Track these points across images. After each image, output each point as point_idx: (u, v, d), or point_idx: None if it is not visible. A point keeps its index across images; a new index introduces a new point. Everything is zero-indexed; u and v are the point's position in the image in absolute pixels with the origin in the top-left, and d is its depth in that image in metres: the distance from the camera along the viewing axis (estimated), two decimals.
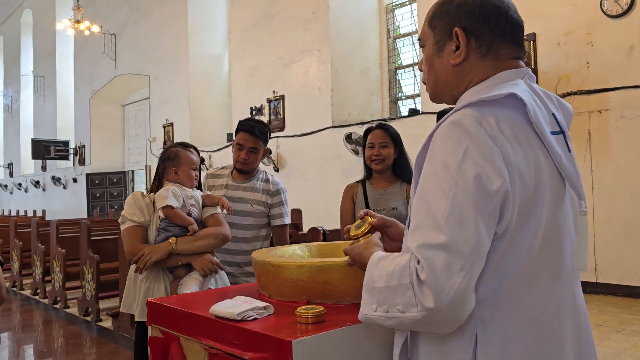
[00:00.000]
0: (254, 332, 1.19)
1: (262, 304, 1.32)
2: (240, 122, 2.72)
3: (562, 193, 1.05)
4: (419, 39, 1.22)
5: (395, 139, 2.68)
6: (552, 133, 1.05)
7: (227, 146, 10.27)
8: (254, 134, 2.64)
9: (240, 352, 1.21)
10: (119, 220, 2.28)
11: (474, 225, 0.92)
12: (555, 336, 1.02)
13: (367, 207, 2.64)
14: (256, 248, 2.67)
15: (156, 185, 2.37)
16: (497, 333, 0.99)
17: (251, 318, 1.27)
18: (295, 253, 1.69)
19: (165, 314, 1.50)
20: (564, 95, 5.97)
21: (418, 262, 0.95)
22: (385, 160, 2.64)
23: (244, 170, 2.69)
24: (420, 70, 1.21)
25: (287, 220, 2.77)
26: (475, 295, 0.96)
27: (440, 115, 2.56)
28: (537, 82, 1.14)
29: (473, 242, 0.92)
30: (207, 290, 1.81)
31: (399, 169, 2.70)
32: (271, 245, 2.79)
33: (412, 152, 2.08)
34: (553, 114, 1.08)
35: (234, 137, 2.74)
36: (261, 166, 2.84)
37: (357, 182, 2.78)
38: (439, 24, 1.14)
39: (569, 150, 1.07)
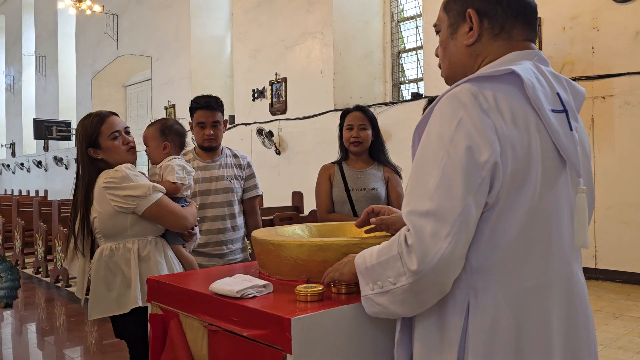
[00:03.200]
0: (253, 310, 1.19)
1: (262, 282, 1.33)
2: (193, 101, 2.66)
3: (558, 170, 1.06)
4: (434, 25, 1.25)
5: (372, 122, 2.69)
6: (554, 111, 1.06)
7: (229, 128, 10.24)
8: (212, 107, 2.60)
9: (239, 329, 1.22)
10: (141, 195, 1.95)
11: (462, 195, 0.96)
12: (544, 310, 1.05)
13: (346, 187, 2.65)
14: (241, 223, 2.69)
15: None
16: (488, 302, 1.03)
17: (250, 296, 1.28)
18: (295, 233, 1.70)
19: (165, 291, 1.51)
20: None
21: (408, 230, 1.00)
22: (364, 142, 2.67)
23: (213, 146, 2.63)
24: (437, 55, 1.24)
25: (260, 191, 2.79)
26: (462, 263, 1.01)
27: (430, 102, 2.58)
28: None
29: (459, 210, 0.96)
30: (208, 269, 1.81)
31: (376, 151, 2.72)
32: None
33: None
34: (558, 93, 1.09)
35: (190, 120, 2.69)
36: (235, 144, 2.84)
37: (333, 162, 2.78)
38: (453, 7, 1.18)
39: (571, 129, 1.07)
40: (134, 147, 2.09)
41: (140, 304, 1.92)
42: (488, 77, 1.04)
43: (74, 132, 15.12)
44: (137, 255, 1.97)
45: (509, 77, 1.05)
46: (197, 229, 2.27)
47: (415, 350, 1.11)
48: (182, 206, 2.16)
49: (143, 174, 2.08)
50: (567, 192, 1.08)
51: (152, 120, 2.49)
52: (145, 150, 2.32)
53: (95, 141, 2.01)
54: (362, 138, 2.65)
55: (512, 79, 1.05)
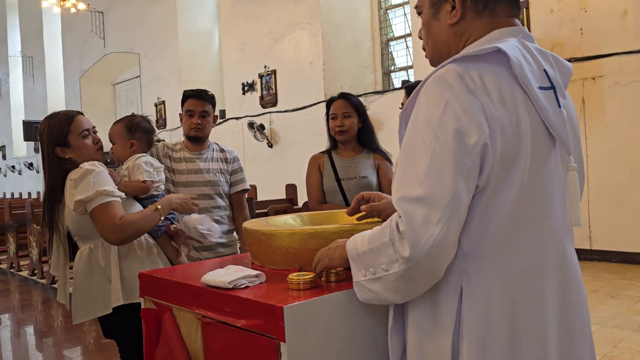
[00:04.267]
0: (246, 300, 1.18)
1: (254, 272, 1.32)
2: (185, 91, 2.65)
3: (549, 148, 1.05)
4: (416, 7, 1.23)
5: (358, 109, 2.64)
6: (541, 88, 1.04)
7: (219, 123, 10.20)
8: (202, 97, 2.59)
9: (232, 319, 1.21)
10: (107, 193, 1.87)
11: (453, 179, 0.94)
12: (538, 292, 1.04)
13: (336, 176, 2.62)
14: (226, 217, 2.66)
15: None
16: (481, 286, 1.02)
17: (243, 286, 1.27)
18: (287, 222, 1.68)
19: (157, 285, 1.49)
20: None
21: (399, 216, 0.98)
22: (349, 130, 2.62)
23: (199, 136, 2.61)
24: (420, 37, 1.22)
25: (248, 185, 2.76)
26: (455, 248, 0.99)
27: (408, 88, 2.56)
28: None
29: (451, 195, 0.94)
30: (200, 262, 1.78)
31: (365, 138, 2.67)
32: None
33: None
34: (545, 70, 1.07)
35: (180, 112, 2.68)
36: (227, 138, 2.83)
37: (322, 152, 2.75)
38: None
39: (559, 106, 1.06)
40: (102, 147, 2.05)
41: (122, 301, 1.88)
42: (473, 57, 1.02)
43: None
44: (116, 253, 1.93)
45: (495, 56, 1.02)
46: (188, 223, 2.19)
47: (408, 337, 1.10)
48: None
49: (112, 171, 2.03)
50: (557, 170, 1.07)
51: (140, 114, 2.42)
52: (111, 149, 2.24)
53: (65, 140, 1.95)
54: (346, 126, 2.61)
55: (498, 57, 1.02)
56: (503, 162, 0.98)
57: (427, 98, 1.01)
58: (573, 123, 1.16)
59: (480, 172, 0.97)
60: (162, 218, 1.97)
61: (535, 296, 1.03)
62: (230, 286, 1.25)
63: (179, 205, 2.05)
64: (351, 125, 2.62)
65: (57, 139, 1.94)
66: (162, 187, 2.23)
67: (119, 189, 1.95)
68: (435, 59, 1.19)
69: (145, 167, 2.11)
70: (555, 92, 1.06)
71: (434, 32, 1.16)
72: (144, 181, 2.08)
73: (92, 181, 1.84)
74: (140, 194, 2.10)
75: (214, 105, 2.66)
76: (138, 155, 2.17)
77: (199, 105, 2.58)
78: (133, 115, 2.30)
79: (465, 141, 0.95)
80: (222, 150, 2.73)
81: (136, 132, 2.20)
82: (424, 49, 1.22)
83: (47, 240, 2.01)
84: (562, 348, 1.06)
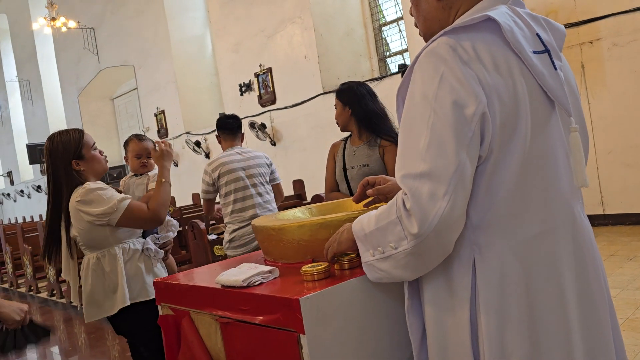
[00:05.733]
0: (261, 296, 1.18)
1: (267, 268, 1.31)
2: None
3: (548, 112, 1.04)
4: None
5: (342, 97, 2.63)
6: (535, 52, 1.03)
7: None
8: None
9: (250, 317, 1.20)
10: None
11: (455, 151, 0.94)
12: (552, 257, 1.02)
13: (344, 164, 2.65)
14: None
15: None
16: (493, 257, 1.01)
17: (257, 283, 1.26)
18: (296, 216, 1.68)
19: (173, 291, 1.49)
20: None
21: (405, 193, 0.98)
22: (338, 120, 2.66)
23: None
24: (411, 14, 1.21)
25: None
26: (463, 220, 0.98)
27: (401, 68, 2.56)
28: None
29: (454, 167, 0.94)
30: (211, 264, 1.80)
31: (368, 124, 2.60)
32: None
33: None
34: (537, 34, 1.06)
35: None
36: (247, 147, 3.56)
37: (342, 139, 2.78)
38: None
39: (555, 69, 1.05)
40: (106, 158, 2.30)
41: (128, 302, 2.10)
42: (464, 27, 1.02)
43: None
44: (122, 259, 2.14)
45: (485, 24, 1.02)
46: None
47: (426, 315, 1.09)
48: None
49: (110, 185, 2.26)
50: (559, 133, 1.06)
51: (144, 130, 2.70)
52: (144, 163, 2.69)
53: (80, 153, 2.15)
54: (336, 117, 2.67)
55: (489, 25, 1.02)
56: (503, 130, 0.98)
57: (421, 73, 1.01)
58: (571, 85, 1.14)
59: (481, 141, 0.97)
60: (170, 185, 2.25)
61: (549, 261, 1.02)
62: (245, 284, 1.25)
63: (168, 161, 2.27)
64: (338, 115, 2.65)
65: (74, 152, 2.14)
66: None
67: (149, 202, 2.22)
68: (428, 35, 1.18)
69: None
70: (550, 55, 1.05)
71: (423, 8, 1.16)
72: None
73: (106, 196, 2.07)
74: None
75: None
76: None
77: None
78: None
79: (463, 112, 0.95)
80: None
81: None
82: (416, 26, 1.22)
83: (44, 248, 2.21)
84: (582, 311, 1.05)
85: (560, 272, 1.03)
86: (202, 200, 3.43)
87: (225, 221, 3.42)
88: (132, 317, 2.15)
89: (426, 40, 1.18)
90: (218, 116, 3.57)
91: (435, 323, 1.07)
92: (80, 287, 2.23)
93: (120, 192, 2.35)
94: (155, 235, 2.38)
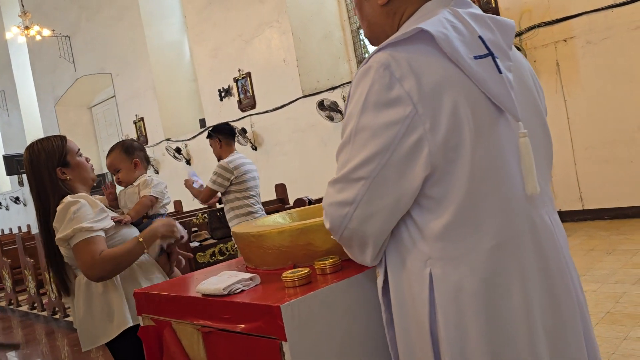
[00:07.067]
0: (242, 304, 1.16)
1: (248, 275, 1.30)
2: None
3: (495, 118, 0.99)
4: None
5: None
6: (477, 57, 0.99)
7: (200, 133, 10.14)
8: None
9: (231, 325, 1.19)
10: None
11: (368, 175, 0.98)
12: (511, 269, 0.99)
13: None
14: None
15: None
16: (449, 271, 0.99)
17: (238, 290, 1.25)
18: (277, 221, 1.67)
19: (153, 302, 1.47)
20: (528, 29, 5.95)
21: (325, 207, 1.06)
22: None
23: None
24: (356, 15, 1.20)
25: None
26: (375, 232, 1.02)
27: None
28: None
29: (364, 191, 0.99)
30: (191, 273, 1.75)
31: None
32: None
33: None
34: (480, 36, 1.02)
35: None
36: (209, 147, 4.16)
37: None
38: None
39: (500, 72, 1.00)
40: (92, 166, 2.09)
41: (131, 323, 1.85)
42: (400, 41, 0.99)
43: None
44: (119, 277, 1.91)
45: (421, 35, 0.98)
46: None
47: (395, 328, 1.08)
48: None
49: (109, 193, 2.11)
50: (510, 139, 1.00)
51: (124, 137, 2.49)
52: (117, 178, 2.23)
53: (65, 160, 1.95)
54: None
55: (425, 36, 0.98)
56: (445, 143, 0.95)
57: (353, 92, 1.01)
58: (526, 83, 1.10)
59: (417, 157, 0.95)
60: (147, 250, 1.91)
61: (508, 274, 0.99)
62: (226, 292, 1.24)
63: (165, 233, 1.98)
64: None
65: (59, 159, 1.94)
66: (167, 209, 2.24)
67: (127, 215, 2.01)
68: (373, 39, 1.16)
69: (152, 183, 2.15)
70: (493, 58, 1.01)
71: (367, 12, 1.14)
72: (150, 195, 2.11)
73: (72, 217, 1.81)
74: (147, 209, 2.12)
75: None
76: (146, 175, 2.22)
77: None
78: (121, 140, 2.35)
79: (383, 136, 0.96)
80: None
81: (134, 151, 2.22)
82: (360, 28, 1.21)
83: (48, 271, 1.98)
84: (548, 320, 1.01)
85: (521, 284, 0.99)
86: (205, 188, 3.86)
87: (230, 217, 4.05)
88: (129, 341, 1.86)
89: (372, 44, 1.17)
90: (198, 122, 3.89)
91: (402, 339, 1.07)
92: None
93: (115, 204, 2.19)
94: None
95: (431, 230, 1.00)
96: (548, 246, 1.04)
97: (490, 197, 0.99)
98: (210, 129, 3.69)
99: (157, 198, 2.13)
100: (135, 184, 2.18)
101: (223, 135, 4.05)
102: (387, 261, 1.08)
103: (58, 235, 1.81)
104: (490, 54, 1.01)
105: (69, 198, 1.87)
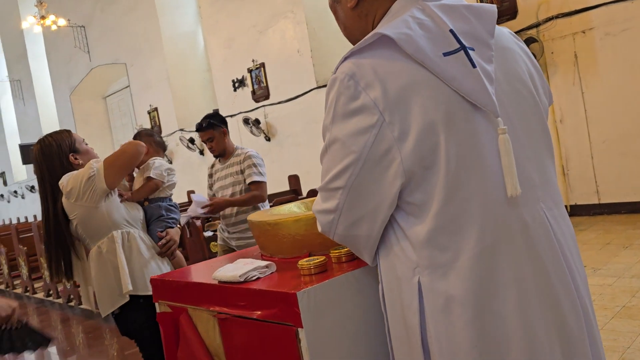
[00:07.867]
0: (259, 291, 1.17)
1: (264, 262, 1.31)
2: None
3: (471, 117, 0.94)
4: None
5: None
6: (447, 54, 0.95)
7: None
8: (201, 129, 3.37)
9: (248, 312, 1.20)
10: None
11: (345, 184, 0.99)
12: (499, 273, 0.95)
13: None
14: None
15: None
16: (437, 278, 0.96)
17: (254, 278, 1.26)
18: (291, 210, 1.67)
19: (170, 288, 1.48)
20: (546, 20, 5.87)
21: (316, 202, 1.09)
22: None
23: (217, 155, 3.45)
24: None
25: (257, 177, 3.31)
26: (363, 235, 1.03)
27: None
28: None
29: (344, 199, 1.00)
30: (208, 260, 1.80)
31: None
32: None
33: None
34: (451, 30, 0.97)
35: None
36: (241, 143, 3.54)
37: None
38: None
39: (474, 66, 0.95)
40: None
41: (130, 287, 2.03)
42: (365, 48, 0.98)
43: None
44: (121, 242, 2.09)
45: (385, 39, 0.96)
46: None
47: (391, 336, 1.08)
48: (170, 205, 2.34)
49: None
50: (491, 137, 0.95)
51: (137, 127, 2.67)
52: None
53: (75, 147, 2.17)
54: None
55: (388, 39, 0.96)
56: (419, 150, 0.92)
57: (326, 102, 1.03)
58: (512, 71, 1.03)
59: (391, 164, 0.95)
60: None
61: (498, 279, 0.94)
62: (242, 279, 1.24)
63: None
64: None
65: (69, 147, 2.15)
66: (172, 190, 2.44)
67: (128, 192, 2.26)
68: (351, 40, 1.16)
69: (157, 165, 2.36)
70: (466, 52, 0.96)
71: (340, 15, 1.14)
72: (149, 177, 2.31)
73: (78, 171, 2.06)
74: (150, 192, 2.32)
75: (214, 126, 3.36)
76: (153, 158, 2.42)
77: (202, 136, 3.38)
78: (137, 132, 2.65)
79: (357, 140, 0.96)
80: (237, 155, 3.40)
81: (141, 139, 2.43)
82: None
83: (49, 253, 2.15)
84: (548, 323, 0.97)
85: (515, 290, 0.95)
86: (263, 184, 3.51)
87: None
88: (132, 314, 2.08)
89: (351, 42, 1.16)
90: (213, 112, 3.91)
91: (397, 349, 1.06)
92: (91, 286, 2.19)
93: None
94: (166, 220, 2.28)
95: (416, 236, 0.97)
96: (543, 247, 0.99)
97: (472, 201, 0.94)
98: (207, 121, 3.35)
99: (162, 182, 2.34)
100: (141, 167, 2.42)
101: (225, 126, 3.56)
102: (380, 269, 1.07)
103: (83, 183, 1.99)
104: (463, 47, 0.96)
105: (65, 176, 2.08)
